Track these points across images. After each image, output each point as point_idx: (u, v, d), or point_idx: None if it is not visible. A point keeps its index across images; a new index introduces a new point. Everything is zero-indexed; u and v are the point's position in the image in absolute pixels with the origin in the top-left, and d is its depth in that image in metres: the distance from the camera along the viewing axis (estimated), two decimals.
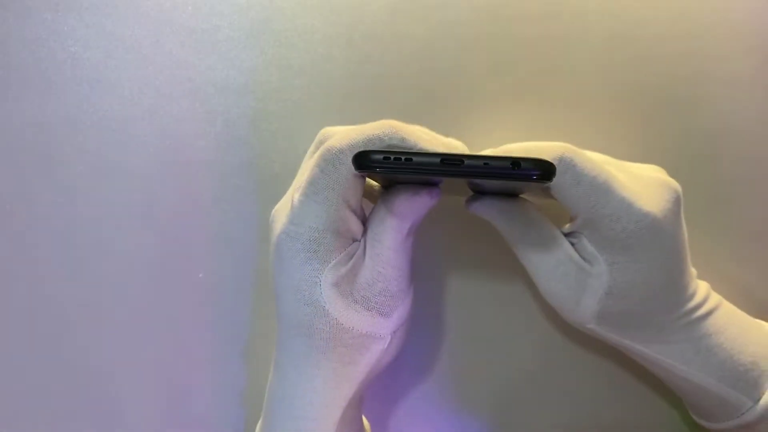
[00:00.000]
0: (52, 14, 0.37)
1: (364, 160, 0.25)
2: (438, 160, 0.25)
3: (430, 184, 0.30)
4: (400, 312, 0.31)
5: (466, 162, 0.25)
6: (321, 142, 0.32)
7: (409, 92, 0.38)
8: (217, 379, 0.41)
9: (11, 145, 0.38)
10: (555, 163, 0.28)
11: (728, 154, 0.38)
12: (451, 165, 0.25)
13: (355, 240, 0.30)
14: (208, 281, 0.40)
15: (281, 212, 0.31)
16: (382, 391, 0.41)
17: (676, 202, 0.31)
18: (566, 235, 0.32)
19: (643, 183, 0.31)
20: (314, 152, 0.32)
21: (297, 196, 0.29)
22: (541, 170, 0.25)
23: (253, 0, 0.37)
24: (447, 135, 0.38)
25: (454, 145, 0.31)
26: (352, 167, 0.27)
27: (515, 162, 0.25)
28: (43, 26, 0.37)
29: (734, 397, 0.32)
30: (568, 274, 0.31)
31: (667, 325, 0.32)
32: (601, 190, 0.29)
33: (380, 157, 0.25)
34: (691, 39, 0.37)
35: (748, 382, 0.32)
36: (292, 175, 0.38)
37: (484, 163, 0.25)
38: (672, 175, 0.37)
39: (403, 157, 0.25)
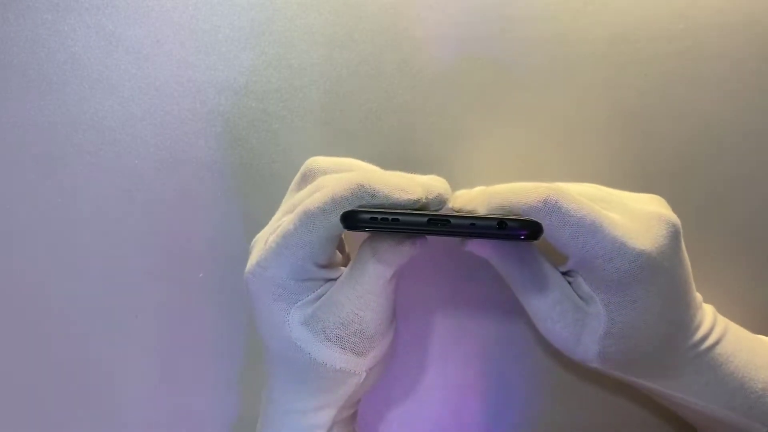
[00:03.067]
0: (52, 14, 0.37)
1: (352, 221, 0.26)
2: (425, 220, 0.26)
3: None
4: (375, 352, 0.31)
5: (453, 222, 0.26)
6: (305, 174, 0.32)
7: (409, 92, 0.38)
8: (217, 379, 0.41)
9: (11, 145, 0.38)
10: (540, 205, 0.27)
11: (728, 155, 0.38)
12: (438, 225, 0.26)
13: (328, 280, 0.30)
14: (208, 281, 0.40)
15: (259, 242, 0.31)
16: (377, 404, 0.41)
17: (674, 236, 0.29)
18: (563, 273, 0.31)
19: (637, 218, 0.30)
20: (299, 183, 0.32)
21: (271, 239, 0.29)
22: (528, 230, 0.25)
23: (253, 0, 0.37)
24: (447, 134, 0.38)
25: (433, 184, 0.30)
26: (325, 230, 0.27)
27: (501, 222, 0.25)
28: (43, 26, 0.37)
29: (748, 425, 0.31)
30: (566, 313, 0.30)
31: (672, 361, 0.31)
32: (589, 230, 0.28)
33: (367, 217, 0.26)
34: (691, 39, 0.37)
35: (762, 408, 0.31)
36: (292, 175, 0.38)
37: (471, 224, 0.26)
38: (671, 176, 0.37)
39: (390, 217, 0.26)
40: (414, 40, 0.38)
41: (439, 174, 0.32)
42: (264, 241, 0.30)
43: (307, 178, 0.31)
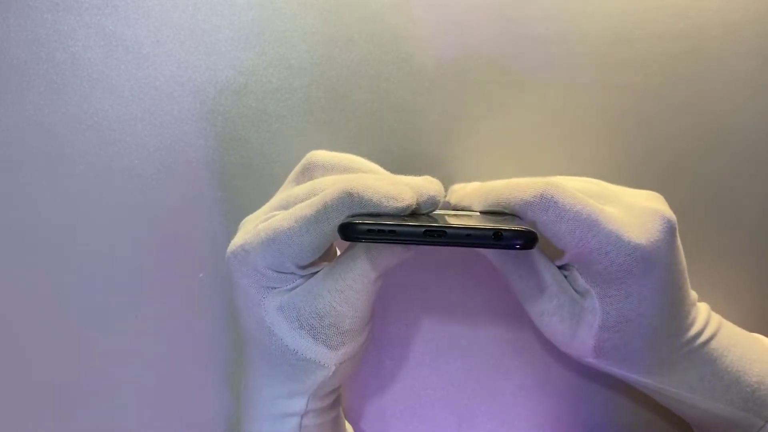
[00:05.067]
0: (52, 14, 0.37)
1: (349, 232, 0.26)
2: (421, 231, 0.26)
3: None
4: (347, 348, 0.31)
5: (449, 233, 0.26)
6: (305, 167, 0.32)
7: (409, 92, 0.38)
8: (217, 379, 0.41)
9: (11, 145, 0.38)
10: (536, 200, 0.28)
11: (728, 155, 0.38)
12: (434, 236, 0.26)
13: (308, 274, 0.30)
14: (208, 281, 0.40)
15: (248, 224, 0.31)
16: (367, 396, 0.41)
17: (670, 231, 0.29)
18: (559, 267, 0.31)
19: (633, 213, 0.30)
20: (298, 175, 0.32)
21: (261, 227, 0.29)
22: (523, 240, 0.25)
23: (253, 0, 0.37)
24: (446, 133, 0.38)
25: (425, 186, 0.29)
26: (315, 237, 0.27)
27: (497, 233, 0.25)
28: (43, 26, 0.37)
29: (744, 418, 0.31)
30: (562, 307, 0.30)
31: (667, 356, 0.31)
32: (585, 225, 0.28)
33: (365, 228, 0.26)
34: (691, 39, 0.37)
35: (757, 402, 0.31)
36: None
37: (467, 235, 0.26)
38: (671, 175, 0.37)
39: (387, 229, 0.26)
40: (414, 40, 0.38)
41: (438, 173, 0.32)
42: (253, 224, 0.30)
43: (306, 173, 0.31)
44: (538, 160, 0.38)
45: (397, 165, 0.36)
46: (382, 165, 0.32)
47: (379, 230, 0.26)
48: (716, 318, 0.33)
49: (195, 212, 0.39)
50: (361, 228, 0.26)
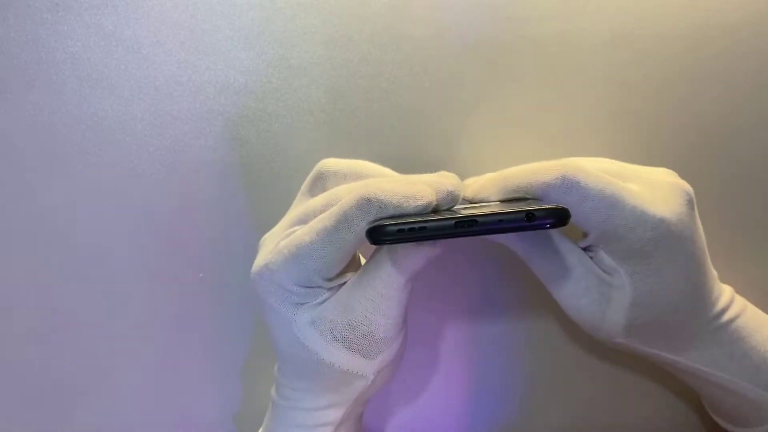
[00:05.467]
0: (52, 14, 0.37)
1: (379, 236, 0.25)
2: (452, 223, 0.25)
3: None
4: (384, 356, 0.30)
5: (480, 221, 0.25)
6: (317, 177, 0.31)
7: (409, 92, 0.38)
8: (218, 379, 0.41)
9: (11, 145, 0.38)
10: (558, 182, 0.27)
11: (728, 155, 0.38)
12: (465, 226, 0.25)
13: (335, 287, 0.30)
14: (208, 281, 0.40)
15: (268, 242, 0.31)
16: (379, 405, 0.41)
17: (690, 204, 0.30)
18: (583, 249, 0.31)
19: (655, 188, 0.30)
20: (311, 186, 0.31)
21: (283, 244, 0.29)
22: (555, 218, 0.25)
23: (253, 0, 0.37)
24: (446, 134, 0.38)
25: (442, 182, 0.29)
26: (339, 248, 0.27)
27: (529, 215, 0.25)
28: (43, 26, 0.37)
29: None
30: (590, 288, 0.30)
31: (696, 332, 0.31)
32: (610, 202, 0.28)
33: (394, 229, 0.25)
34: (691, 39, 0.37)
35: None
36: (292, 174, 0.38)
37: (499, 220, 0.25)
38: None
39: (417, 226, 0.25)
40: (414, 40, 0.38)
41: None
42: (274, 243, 0.30)
43: (319, 182, 0.31)
44: (538, 159, 0.38)
45: (398, 165, 0.36)
46: (382, 165, 0.32)
47: (410, 229, 0.25)
48: (740, 299, 0.33)
49: (195, 212, 0.39)
50: (390, 230, 0.25)
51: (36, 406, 0.40)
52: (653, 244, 0.29)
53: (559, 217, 0.25)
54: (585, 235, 0.30)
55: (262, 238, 0.32)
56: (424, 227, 0.25)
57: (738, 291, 0.33)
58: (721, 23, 0.37)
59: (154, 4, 0.37)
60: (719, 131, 0.38)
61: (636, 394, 0.40)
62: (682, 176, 0.32)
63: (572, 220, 0.28)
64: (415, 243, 0.28)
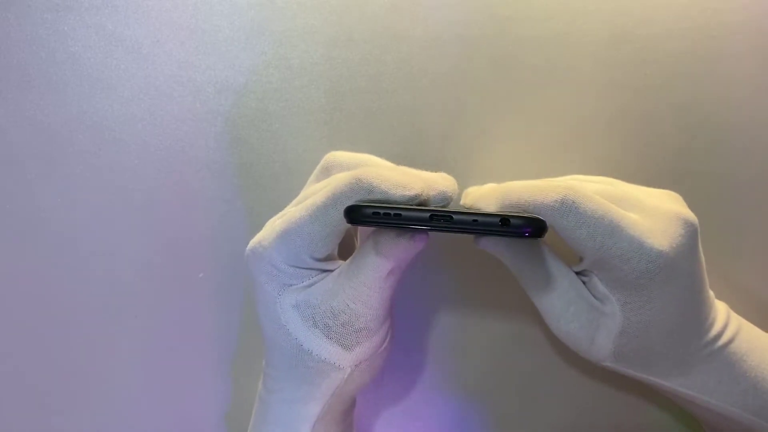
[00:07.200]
0: (52, 14, 0.37)
1: (355, 215, 0.26)
2: (427, 215, 0.26)
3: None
4: (364, 348, 0.30)
5: (455, 218, 0.25)
6: (324, 167, 0.32)
7: (409, 92, 0.38)
8: (217, 378, 0.41)
9: (11, 145, 0.38)
10: (557, 205, 0.27)
11: (728, 154, 0.38)
12: (440, 221, 0.25)
13: (324, 271, 0.30)
14: (208, 281, 0.40)
15: (268, 224, 0.31)
16: (375, 395, 0.41)
17: (692, 236, 0.29)
18: (577, 273, 0.31)
19: (655, 217, 0.29)
20: (318, 175, 0.32)
21: (277, 223, 0.29)
22: (532, 228, 0.25)
23: (253, 0, 0.37)
24: (446, 133, 0.38)
25: (437, 181, 0.29)
26: (325, 224, 0.27)
27: (504, 220, 0.25)
28: (43, 26, 0.37)
29: (760, 425, 0.31)
30: (580, 313, 0.30)
31: (686, 359, 0.31)
32: (606, 231, 0.27)
33: (370, 212, 0.26)
34: (691, 39, 0.37)
35: None
36: (292, 174, 0.38)
37: (473, 220, 0.25)
38: (671, 176, 0.37)
39: (392, 212, 0.26)
40: (414, 40, 0.38)
41: None
42: (272, 223, 0.31)
43: (325, 172, 0.32)
44: (538, 160, 0.38)
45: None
46: None
47: (385, 213, 0.26)
48: (735, 319, 0.32)
49: (195, 212, 0.39)
50: (366, 211, 0.26)
51: (34, 405, 0.40)
52: (648, 276, 0.28)
53: (536, 227, 0.25)
54: (581, 259, 0.30)
55: (268, 222, 0.32)
56: (399, 214, 0.26)
57: (733, 296, 0.33)
58: (721, 23, 0.37)
59: (154, 4, 0.37)
60: (719, 131, 0.38)
61: (636, 395, 0.40)
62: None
63: (568, 244, 0.28)
64: (395, 233, 0.28)
